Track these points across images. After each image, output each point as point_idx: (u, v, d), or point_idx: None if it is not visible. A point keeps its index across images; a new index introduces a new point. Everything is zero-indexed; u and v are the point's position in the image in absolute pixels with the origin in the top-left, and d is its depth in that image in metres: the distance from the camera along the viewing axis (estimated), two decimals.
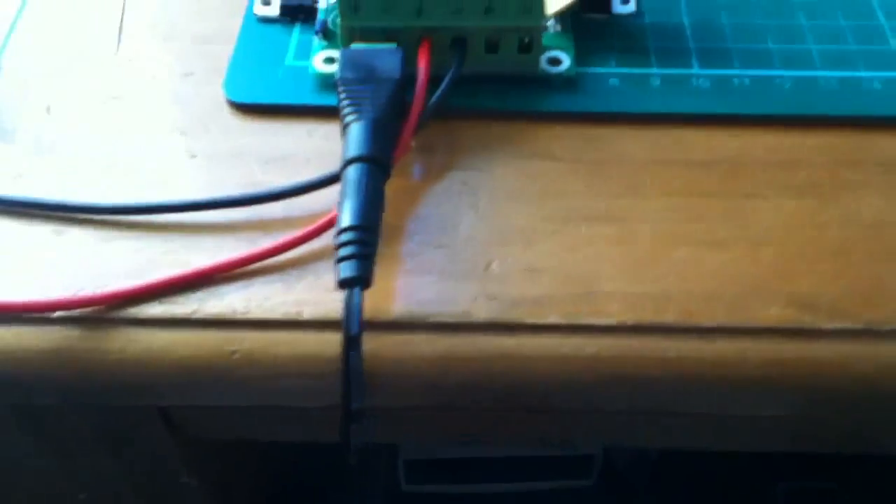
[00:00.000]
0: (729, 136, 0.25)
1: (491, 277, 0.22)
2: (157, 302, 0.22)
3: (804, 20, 0.28)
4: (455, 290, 0.22)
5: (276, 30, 0.28)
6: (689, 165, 0.24)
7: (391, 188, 0.23)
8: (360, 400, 0.20)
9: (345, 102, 0.23)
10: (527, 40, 0.25)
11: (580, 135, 0.25)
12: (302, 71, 0.27)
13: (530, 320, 0.21)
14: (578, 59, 0.27)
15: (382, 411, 0.22)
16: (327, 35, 0.27)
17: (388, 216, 0.22)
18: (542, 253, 0.22)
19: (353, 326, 0.19)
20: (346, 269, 0.20)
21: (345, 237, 0.20)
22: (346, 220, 0.20)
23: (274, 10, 0.29)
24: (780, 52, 0.27)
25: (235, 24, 0.29)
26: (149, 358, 0.22)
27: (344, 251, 0.20)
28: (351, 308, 0.19)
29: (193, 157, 0.25)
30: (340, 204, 0.21)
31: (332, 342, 0.21)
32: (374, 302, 0.21)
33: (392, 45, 0.24)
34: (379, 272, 0.21)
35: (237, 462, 0.40)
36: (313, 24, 0.28)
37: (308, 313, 0.22)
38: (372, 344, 0.21)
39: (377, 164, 0.21)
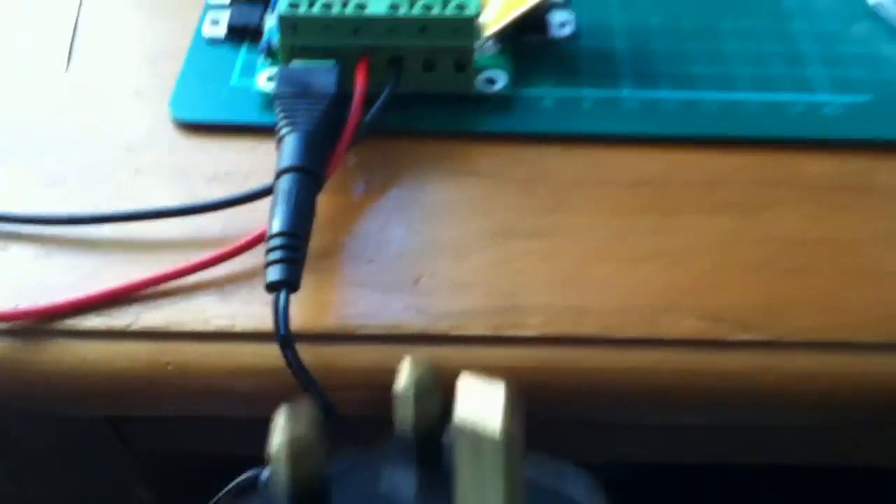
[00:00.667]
0: (655, 156, 0.26)
1: (420, 291, 0.23)
2: (94, 314, 0.22)
3: (732, 45, 0.29)
4: (385, 303, 0.22)
5: (224, 50, 0.29)
6: (617, 184, 0.25)
7: (326, 203, 0.24)
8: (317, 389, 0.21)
9: (280, 116, 0.23)
10: (462, 60, 0.26)
11: (512, 154, 0.26)
12: (247, 90, 0.27)
13: (455, 332, 0.22)
14: (515, 80, 0.27)
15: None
16: (271, 54, 0.28)
17: (321, 230, 0.23)
18: (470, 267, 0.23)
19: (280, 328, 0.20)
20: (274, 273, 0.20)
21: (273, 243, 0.21)
22: (276, 227, 0.21)
23: (222, 30, 0.29)
24: (707, 76, 0.28)
25: (185, 43, 0.30)
26: (85, 369, 0.22)
27: (272, 256, 0.20)
28: (278, 310, 0.20)
29: (139, 172, 0.26)
30: (271, 212, 0.21)
31: (265, 353, 0.22)
32: (307, 313, 0.22)
33: (330, 63, 0.25)
34: (312, 285, 0.22)
35: (192, 475, 0.40)
36: (259, 44, 0.28)
37: (241, 325, 0.22)
38: (304, 354, 0.21)
39: (309, 174, 0.22)
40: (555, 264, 0.23)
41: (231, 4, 0.30)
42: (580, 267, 0.23)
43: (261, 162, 0.26)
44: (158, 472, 0.38)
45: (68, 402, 0.23)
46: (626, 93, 0.27)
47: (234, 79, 0.28)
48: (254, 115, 0.27)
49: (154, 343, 0.22)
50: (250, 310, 0.22)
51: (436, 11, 0.25)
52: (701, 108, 0.27)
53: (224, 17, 0.29)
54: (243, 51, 0.29)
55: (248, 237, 0.23)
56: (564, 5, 0.30)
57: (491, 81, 0.27)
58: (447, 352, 0.22)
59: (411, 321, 0.22)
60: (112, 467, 0.34)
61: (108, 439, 0.30)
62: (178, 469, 0.41)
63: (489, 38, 0.28)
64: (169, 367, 0.22)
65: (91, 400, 0.23)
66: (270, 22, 0.28)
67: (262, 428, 0.24)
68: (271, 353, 0.21)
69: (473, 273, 0.23)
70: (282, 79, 0.24)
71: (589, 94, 0.27)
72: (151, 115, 0.28)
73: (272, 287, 0.20)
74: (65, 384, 0.22)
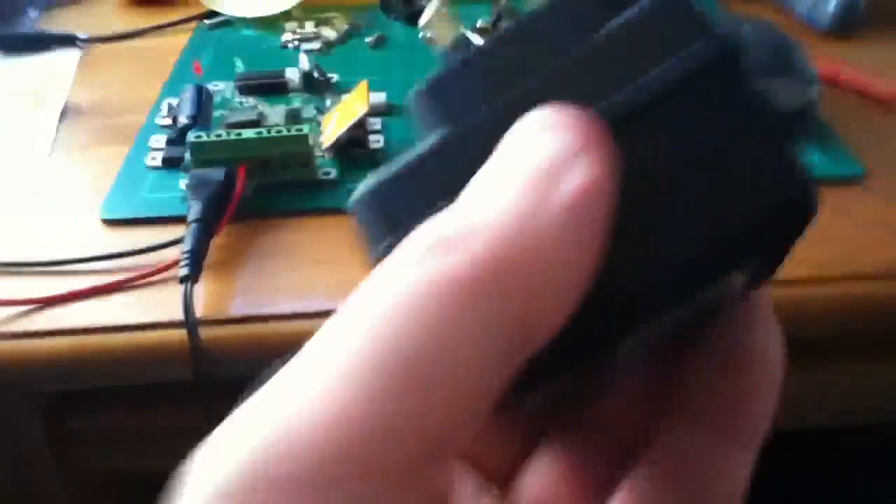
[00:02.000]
0: None
1: (263, 295, 0.38)
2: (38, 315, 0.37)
3: None
4: (252, 298, 0.37)
5: (153, 174, 0.45)
6: None
7: (220, 245, 0.39)
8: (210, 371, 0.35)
9: (190, 195, 0.39)
10: (305, 160, 0.42)
11: (345, 221, 0.42)
12: (171, 193, 0.43)
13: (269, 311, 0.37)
14: (347, 175, 0.44)
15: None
16: (185, 168, 0.44)
17: (215, 261, 0.38)
18: (302, 282, 0.38)
19: (187, 306, 0.35)
20: (183, 271, 0.35)
21: (184, 255, 0.36)
22: (186, 246, 0.36)
23: (158, 162, 0.46)
24: None
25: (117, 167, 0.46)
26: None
27: (183, 262, 0.36)
28: (186, 294, 0.35)
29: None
30: (183, 244, 0.37)
31: (175, 335, 0.36)
32: (214, 306, 0.37)
33: (222, 168, 0.41)
34: (216, 292, 0.37)
35: (127, 497, 0.51)
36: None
37: (154, 317, 0.37)
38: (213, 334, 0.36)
39: (205, 224, 0.38)
40: (344, 279, 0.38)
41: (167, 146, 0.46)
42: None
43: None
44: (94, 493, 0.48)
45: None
46: None
47: (152, 190, 0.44)
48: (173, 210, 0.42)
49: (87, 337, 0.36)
50: (166, 312, 0.37)
51: (284, 133, 0.41)
52: None
53: (160, 154, 0.46)
54: (162, 173, 0.45)
55: (167, 262, 0.38)
56: (380, 132, 0.47)
57: (327, 173, 0.44)
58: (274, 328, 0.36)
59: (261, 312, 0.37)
60: (44, 487, 0.45)
61: (42, 460, 0.42)
62: (113, 490, 0.52)
63: (327, 149, 0.44)
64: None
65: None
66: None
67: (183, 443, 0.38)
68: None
69: (305, 286, 0.38)
70: (191, 177, 0.40)
71: None
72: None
73: (182, 279, 0.35)
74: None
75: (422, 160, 0.15)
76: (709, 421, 0.15)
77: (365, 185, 0.15)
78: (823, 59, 0.52)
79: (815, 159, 0.43)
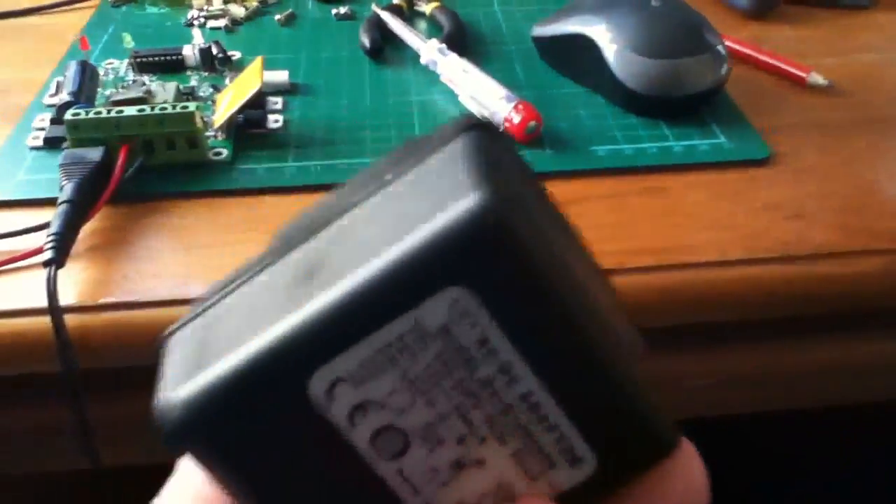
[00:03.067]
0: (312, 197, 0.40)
1: (131, 280, 0.35)
2: None
3: (372, 135, 0.44)
4: (117, 285, 0.35)
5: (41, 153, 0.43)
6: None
7: (103, 232, 0.37)
8: (72, 355, 0.33)
9: (62, 176, 0.37)
10: (192, 140, 0.40)
11: (236, 203, 0.40)
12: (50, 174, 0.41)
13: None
14: (241, 157, 0.42)
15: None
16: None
17: (88, 246, 0.36)
18: (182, 268, 0.36)
19: (51, 292, 0.32)
20: (47, 255, 0.33)
21: (48, 240, 0.33)
22: (52, 229, 0.34)
23: (39, 141, 0.43)
24: (373, 147, 0.43)
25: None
26: None
27: (47, 247, 0.33)
28: (49, 278, 0.33)
29: None
30: (50, 227, 0.34)
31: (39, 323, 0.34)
32: (84, 293, 0.34)
33: (99, 148, 0.39)
34: (88, 278, 0.35)
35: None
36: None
37: (21, 304, 0.34)
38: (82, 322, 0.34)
39: (78, 206, 0.35)
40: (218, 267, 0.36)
41: (50, 125, 0.43)
42: None
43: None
44: None
45: None
46: (316, 161, 0.42)
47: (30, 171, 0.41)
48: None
49: None
50: (28, 298, 0.34)
51: (168, 110, 0.39)
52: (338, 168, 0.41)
53: (42, 133, 0.43)
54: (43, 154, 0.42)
55: (31, 248, 0.35)
56: (280, 111, 0.45)
57: (218, 154, 0.41)
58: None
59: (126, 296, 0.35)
60: None
61: None
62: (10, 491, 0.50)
63: (218, 128, 0.42)
64: None
65: None
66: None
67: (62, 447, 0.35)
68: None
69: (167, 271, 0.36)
70: (65, 156, 0.38)
71: (291, 164, 0.42)
72: None
73: (47, 264, 0.33)
74: None
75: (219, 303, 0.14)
76: None
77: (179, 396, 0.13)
78: (741, 40, 0.51)
79: (723, 142, 0.42)
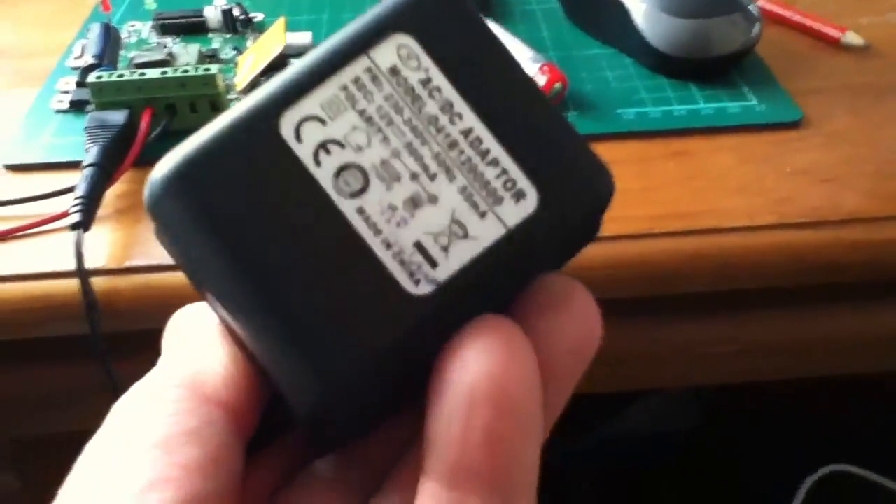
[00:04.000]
0: None
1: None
2: None
3: None
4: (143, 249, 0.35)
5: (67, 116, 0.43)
6: None
7: (128, 195, 0.37)
8: (96, 314, 0.33)
9: (87, 138, 0.37)
10: (215, 103, 0.40)
11: None
12: (76, 137, 0.41)
13: None
14: None
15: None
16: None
17: (114, 210, 0.36)
18: None
19: (78, 255, 0.33)
20: (74, 218, 0.33)
21: (76, 202, 0.34)
22: (78, 192, 0.34)
23: (65, 104, 0.43)
24: None
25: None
26: None
27: (74, 209, 0.33)
28: (77, 242, 0.33)
29: None
30: (76, 190, 0.34)
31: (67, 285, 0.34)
32: (111, 256, 0.35)
33: (124, 111, 0.39)
34: (114, 241, 0.35)
35: (61, 461, 0.50)
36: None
37: (49, 268, 0.34)
38: (109, 284, 0.34)
39: (101, 168, 0.35)
40: None
41: (76, 88, 0.43)
42: None
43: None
44: (24, 458, 0.47)
45: None
46: None
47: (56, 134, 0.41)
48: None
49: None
50: (58, 262, 0.35)
51: (190, 72, 0.39)
52: None
53: (67, 97, 0.43)
54: (69, 117, 0.42)
55: (57, 213, 0.35)
56: None
57: None
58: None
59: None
60: None
61: None
62: (47, 453, 0.50)
63: (241, 91, 0.42)
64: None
65: None
66: None
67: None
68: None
69: None
70: (89, 119, 0.38)
71: None
72: None
73: (74, 227, 0.33)
74: None
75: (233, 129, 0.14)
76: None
77: (164, 166, 0.14)
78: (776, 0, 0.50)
79: (753, 104, 0.42)
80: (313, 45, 0.47)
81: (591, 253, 0.34)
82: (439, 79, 0.14)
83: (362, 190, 0.14)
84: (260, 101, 0.14)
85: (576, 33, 0.48)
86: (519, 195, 0.14)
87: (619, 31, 0.45)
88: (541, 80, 0.41)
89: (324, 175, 0.14)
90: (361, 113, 0.14)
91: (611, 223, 0.34)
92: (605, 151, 0.40)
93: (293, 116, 0.14)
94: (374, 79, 0.14)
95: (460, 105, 0.14)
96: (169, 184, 0.14)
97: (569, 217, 0.15)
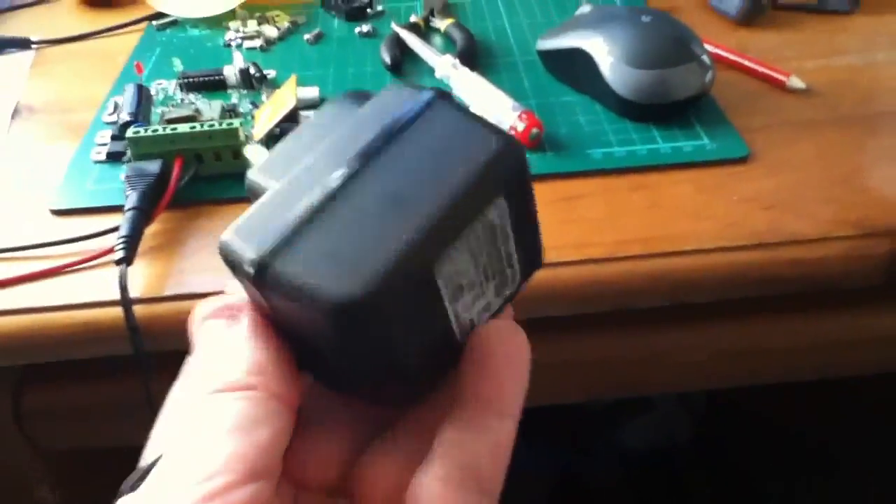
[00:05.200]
0: None
1: (192, 271, 0.41)
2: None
3: None
4: (178, 280, 0.41)
5: (97, 167, 0.49)
6: None
7: (162, 234, 0.43)
8: (140, 340, 0.39)
9: (127, 186, 0.43)
10: (236, 152, 0.46)
11: None
12: (114, 184, 0.47)
13: None
14: None
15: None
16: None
17: (151, 245, 0.42)
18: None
19: (123, 286, 0.38)
20: (119, 254, 0.39)
21: (120, 240, 0.39)
22: (122, 232, 0.40)
23: (102, 156, 0.49)
24: None
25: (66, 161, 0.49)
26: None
27: (119, 247, 0.39)
28: (122, 275, 0.39)
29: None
30: (120, 230, 0.40)
31: (112, 313, 0.40)
32: (149, 286, 0.40)
33: (157, 161, 0.45)
34: (151, 273, 0.41)
35: (98, 474, 0.55)
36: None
37: (97, 297, 0.40)
38: (148, 311, 0.40)
39: (141, 212, 0.41)
40: None
41: (111, 141, 0.50)
42: None
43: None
44: (63, 471, 0.52)
45: None
46: None
47: (97, 182, 0.47)
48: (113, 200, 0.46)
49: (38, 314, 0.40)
50: (103, 290, 0.40)
51: (216, 127, 0.45)
52: None
53: (104, 148, 0.49)
54: (106, 167, 0.48)
55: (104, 249, 0.41)
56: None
57: None
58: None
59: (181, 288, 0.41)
60: (14, 466, 0.48)
61: (11, 437, 0.45)
62: (84, 468, 0.55)
63: (258, 141, 0.48)
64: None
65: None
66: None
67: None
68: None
69: None
70: (128, 169, 0.44)
71: None
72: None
73: (118, 262, 0.39)
74: None
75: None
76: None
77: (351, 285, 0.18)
78: (728, 46, 0.56)
79: (706, 143, 0.47)
80: (320, 98, 0.53)
81: (564, 275, 0.40)
82: (508, 223, 0.20)
83: (459, 297, 0.19)
84: (413, 244, 0.18)
85: (553, 82, 0.54)
86: (515, 282, 0.21)
87: (589, 80, 0.51)
88: (520, 126, 0.47)
89: (447, 294, 0.19)
90: (471, 253, 0.19)
91: (581, 248, 0.40)
92: (576, 187, 0.46)
93: (444, 267, 0.18)
94: (485, 230, 0.19)
95: (511, 237, 0.20)
96: (361, 308, 0.17)
97: (523, 284, 0.22)
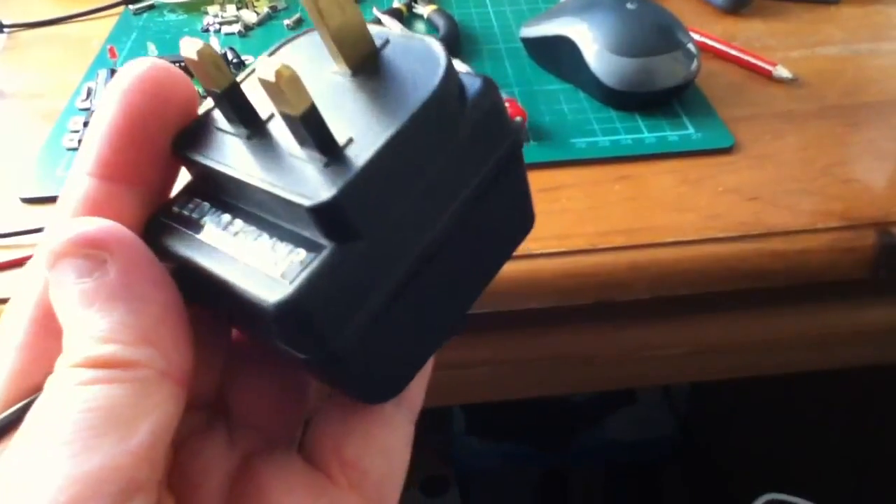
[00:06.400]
0: None
1: None
2: None
3: None
4: None
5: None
6: None
7: None
8: None
9: None
10: None
11: None
12: None
13: None
14: None
15: None
16: None
17: None
18: None
19: None
20: None
21: None
22: None
23: (75, 143, 0.48)
24: None
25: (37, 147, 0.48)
26: None
27: None
28: None
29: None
30: None
31: None
32: None
33: None
34: None
35: None
36: None
37: None
38: None
39: None
40: None
41: (83, 127, 0.48)
42: None
43: None
44: None
45: None
46: None
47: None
48: None
49: None
50: None
51: None
52: None
53: (76, 135, 0.48)
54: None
55: None
56: None
57: None
58: None
59: None
60: None
61: None
62: None
63: None
64: None
65: None
66: None
67: None
68: None
69: None
70: None
71: None
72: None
73: None
74: None
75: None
76: None
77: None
78: (714, 35, 0.55)
79: (691, 133, 0.47)
80: None
81: (545, 265, 0.39)
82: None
83: None
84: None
85: (537, 70, 0.53)
86: None
87: (574, 68, 0.50)
88: None
89: None
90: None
91: (563, 239, 0.40)
92: (559, 177, 0.45)
93: None
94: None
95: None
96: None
97: None
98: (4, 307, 0.38)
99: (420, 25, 0.60)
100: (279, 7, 0.62)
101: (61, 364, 0.15)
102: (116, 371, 0.14)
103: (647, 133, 0.47)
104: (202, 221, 0.18)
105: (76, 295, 0.15)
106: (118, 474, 0.13)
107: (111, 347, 0.15)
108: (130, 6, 0.63)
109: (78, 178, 0.18)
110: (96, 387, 0.14)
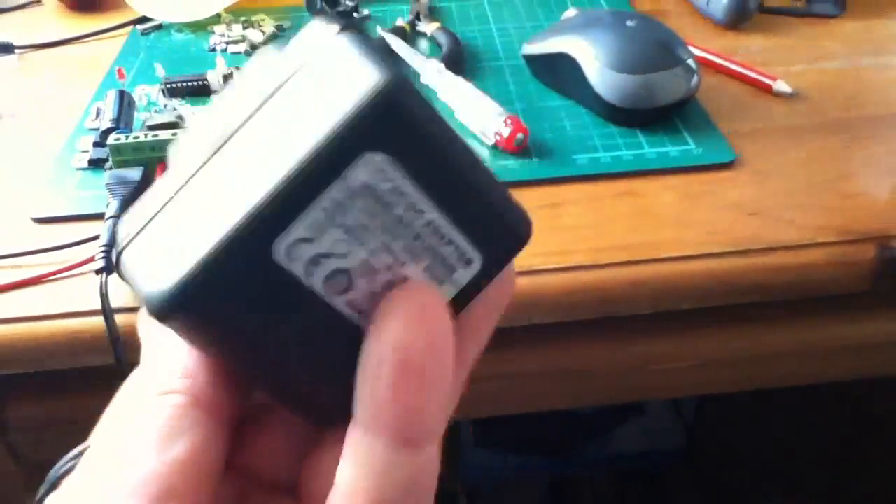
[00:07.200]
0: None
1: None
2: None
3: None
4: None
5: (79, 174, 0.48)
6: None
7: None
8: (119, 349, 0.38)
9: (108, 193, 0.42)
10: None
11: None
12: (96, 191, 0.46)
13: None
14: None
15: None
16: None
17: None
18: None
19: (104, 296, 0.38)
20: (99, 263, 0.38)
21: (101, 249, 0.39)
22: (102, 241, 0.39)
23: (84, 162, 0.49)
24: None
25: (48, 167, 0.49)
26: None
27: (99, 256, 0.39)
28: (102, 284, 0.38)
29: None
30: (100, 239, 0.40)
31: (94, 323, 0.39)
32: (131, 295, 0.40)
33: (139, 167, 0.44)
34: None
35: None
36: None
37: (74, 307, 0.40)
38: (130, 321, 0.39)
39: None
40: None
41: (92, 147, 0.49)
42: None
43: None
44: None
45: None
46: None
47: (79, 189, 0.47)
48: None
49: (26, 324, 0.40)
50: (87, 302, 0.40)
51: None
52: None
53: (86, 155, 0.49)
54: (88, 173, 0.48)
55: (84, 259, 0.41)
56: None
57: None
58: None
59: None
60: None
61: None
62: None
63: None
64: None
65: None
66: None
67: None
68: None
69: None
70: (109, 177, 0.44)
71: None
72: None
73: (98, 272, 0.39)
74: None
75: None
76: None
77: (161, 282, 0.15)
78: (715, 50, 0.55)
79: (692, 148, 0.47)
80: None
81: (548, 281, 0.40)
82: (404, 185, 0.16)
83: (348, 287, 0.16)
84: (247, 226, 0.15)
85: (539, 87, 0.54)
86: (468, 262, 0.18)
87: (575, 85, 0.51)
88: (505, 131, 0.47)
89: (316, 283, 0.16)
90: (342, 226, 0.16)
91: (565, 255, 0.40)
92: (561, 193, 0.45)
93: (284, 242, 0.15)
94: (351, 196, 0.15)
95: (421, 202, 0.16)
96: (175, 301, 0.15)
97: (503, 263, 0.18)
98: (13, 326, 0.40)
99: (423, 43, 0.61)
100: (285, 26, 0.63)
101: (132, 391, 0.19)
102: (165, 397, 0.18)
103: (648, 148, 0.47)
104: None
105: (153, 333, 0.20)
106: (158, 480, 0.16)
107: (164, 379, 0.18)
108: (138, 26, 0.64)
109: None
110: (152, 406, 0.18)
